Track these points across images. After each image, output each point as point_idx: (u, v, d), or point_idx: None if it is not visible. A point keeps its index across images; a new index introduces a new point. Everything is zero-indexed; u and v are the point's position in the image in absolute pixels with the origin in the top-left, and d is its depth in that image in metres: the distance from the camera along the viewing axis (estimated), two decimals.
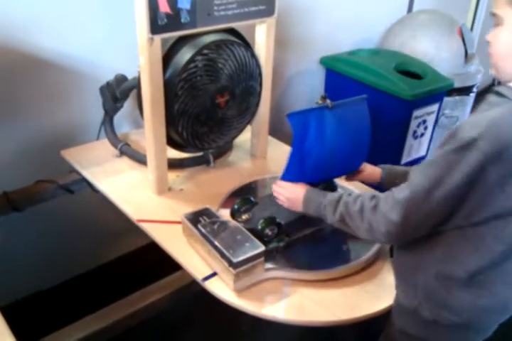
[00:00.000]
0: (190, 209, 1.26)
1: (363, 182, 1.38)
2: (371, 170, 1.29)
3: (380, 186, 1.29)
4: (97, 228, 1.99)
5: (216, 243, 1.12)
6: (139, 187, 1.49)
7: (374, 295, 1.13)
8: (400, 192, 0.92)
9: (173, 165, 1.53)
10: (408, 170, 1.24)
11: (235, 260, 1.06)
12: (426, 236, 0.96)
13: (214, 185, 1.52)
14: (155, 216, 1.36)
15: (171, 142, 1.44)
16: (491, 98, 0.92)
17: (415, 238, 0.97)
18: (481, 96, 2.26)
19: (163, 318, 1.75)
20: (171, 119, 1.34)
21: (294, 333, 1.75)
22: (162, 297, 1.54)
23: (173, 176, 1.54)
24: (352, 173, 1.31)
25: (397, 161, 2.16)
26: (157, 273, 1.66)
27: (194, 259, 1.21)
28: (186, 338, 1.82)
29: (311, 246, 1.25)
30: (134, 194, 1.46)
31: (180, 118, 1.35)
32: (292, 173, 1.19)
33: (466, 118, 0.91)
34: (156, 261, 1.46)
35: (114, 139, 1.67)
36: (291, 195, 1.18)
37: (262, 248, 1.09)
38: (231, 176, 1.57)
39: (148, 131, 1.34)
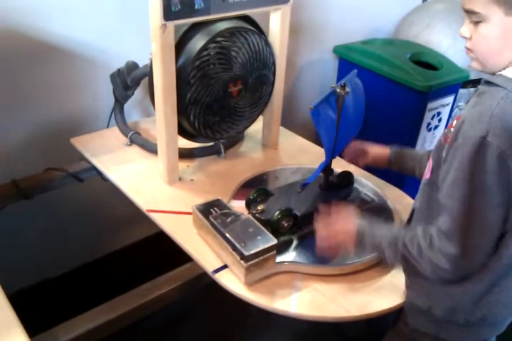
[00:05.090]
0: (200, 200, 1.25)
1: (368, 169, 1.36)
2: (379, 152, 1.28)
3: (389, 168, 1.28)
4: (106, 217, 1.98)
5: (227, 235, 1.10)
6: (149, 177, 1.47)
7: (385, 291, 1.11)
8: (443, 223, 0.88)
9: (184, 154, 1.51)
10: (418, 153, 1.23)
11: (246, 253, 1.04)
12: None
13: (225, 175, 1.50)
14: (165, 206, 1.34)
15: (182, 131, 1.42)
16: (482, 88, 0.90)
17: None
18: None
19: (172, 310, 1.74)
20: (183, 108, 1.32)
21: (299, 328, 1.75)
22: (172, 289, 1.53)
23: (183, 166, 1.52)
24: (359, 156, 1.30)
25: None
26: (167, 264, 1.65)
27: (204, 251, 1.19)
28: (195, 330, 1.81)
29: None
30: (144, 183, 1.45)
31: (192, 107, 1.32)
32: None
33: (464, 114, 0.88)
34: (165, 252, 1.45)
35: (125, 127, 1.65)
36: (340, 231, 1.05)
37: (274, 241, 1.07)
38: (242, 167, 1.54)
39: (160, 119, 1.32)
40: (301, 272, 1.14)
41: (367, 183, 1.41)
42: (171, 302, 1.58)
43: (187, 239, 1.22)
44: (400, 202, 1.37)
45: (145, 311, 1.52)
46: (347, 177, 1.35)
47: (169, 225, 1.27)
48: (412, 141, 2.10)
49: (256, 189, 1.27)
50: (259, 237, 1.09)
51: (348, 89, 1.14)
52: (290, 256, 1.15)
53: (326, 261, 1.13)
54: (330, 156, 1.24)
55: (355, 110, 1.24)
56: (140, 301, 1.50)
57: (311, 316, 1.06)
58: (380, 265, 1.17)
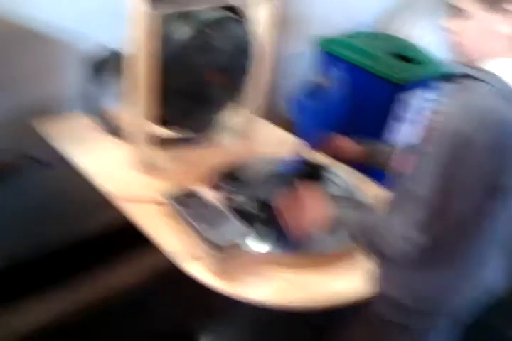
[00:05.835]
0: (173, 189, 1.24)
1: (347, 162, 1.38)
2: (353, 148, 1.30)
3: (363, 162, 1.30)
4: (71, 204, 1.92)
5: (200, 225, 1.09)
6: (120, 165, 1.45)
7: (355, 281, 1.12)
8: (412, 211, 0.88)
9: (158, 142, 1.49)
10: (388, 148, 1.25)
11: (217, 243, 1.04)
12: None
13: (201, 164, 1.48)
14: (136, 195, 1.32)
15: (157, 119, 1.39)
16: (464, 82, 0.90)
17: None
18: None
19: (136, 297, 1.72)
20: (158, 95, 1.30)
21: (264, 316, 1.74)
22: (136, 278, 1.51)
23: (157, 154, 1.50)
24: (336, 150, 1.32)
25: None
26: (134, 253, 1.62)
27: (175, 241, 1.18)
28: (154, 320, 1.79)
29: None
30: (115, 171, 1.42)
31: (169, 94, 1.31)
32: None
33: (444, 108, 0.88)
34: (134, 242, 1.43)
35: (95, 112, 1.61)
36: (310, 213, 1.07)
37: (246, 231, 1.07)
38: (219, 156, 1.53)
39: (133, 106, 1.30)
40: (272, 261, 1.14)
41: (342, 175, 1.41)
42: (135, 290, 1.56)
43: (157, 229, 1.21)
44: (376, 195, 1.37)
45: (106, 298, 1.49)
46: (321, 168, 1.35)
47: (140, 214, 1.26)
48: (383, 132, 2.11)
49: (230, 178, 1.27)
50: (231, 227, 1.08)
51: (327, 82, 1.14)
52: (262, 245, 1.15)
53: (296, 250, 1.13)
54: (306, 147, 1.24)
55: (336, 103, 1.24)
56: (101, 288, 1.47)
57: (281, 305, 1.06)
58: (351, 256, 1.17)
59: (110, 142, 1.55)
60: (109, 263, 1.65)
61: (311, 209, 1.07)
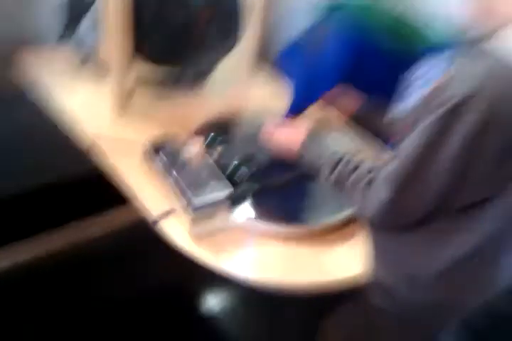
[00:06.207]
0: (155, 134, 1.08)
1: None
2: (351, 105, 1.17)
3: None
4: (39, 145, 1.75)
5: (177, 177, 0.94)
6: (99, 105, 1.28)
7: (345, 259, 0.98)
8: (391, 166, 0.79)
9: (143, 81, 1.32)
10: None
11: (195, 200, 0.89)
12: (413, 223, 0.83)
13: (188, 110, 1.32)
14: (112, 140, 1.16)
15: (143, 54, 1.22)
16: (472, 50, 0.79)
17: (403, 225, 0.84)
18: None
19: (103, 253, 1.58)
20: (144, 27, 1.12)
21: (241, 292, 1.62)
22: (104, 232, 1.37)
23: (141, 95, 1.33)
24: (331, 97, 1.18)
25: None
26: (102, 203, 1.47)
27: (149, 193, 1.03)
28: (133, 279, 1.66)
29: (287, 195, 1.08)
30: (92, 111, 1.26)
31: (148, 25, 1.13)
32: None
33: (449, 73, 0.75)
34: (102, 190, 1.27)
35: (77, 45, 1.43)
36: (288, 137, 1.00)
37: (229, 189, 0.92)
38: (208, 105, 1.36)
39: (113, 36, 1.11)
40: (257, 230, 0.99)
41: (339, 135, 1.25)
42: (102, 246, 1.42)
43: (131, 178, 1.06)
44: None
45: (70, 253, 1.36)
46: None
47: (114, 160, 1.10)
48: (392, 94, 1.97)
49: (216, 129, 1.11)
50: (213, 183, 0.93)
51: (325, 32, 0.97)
52: (246, 210, 1.00)
53: (286, 221, 0.99)
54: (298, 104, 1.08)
55: (334, 57, 1.07)
56: (67, 241, 1.33)
57: (261, 281, 0.93)
58: (342, 230, 1.04)
59: (90, 79, 1.36)
60: (76, 213, 1.50)
61: (292, 133, 0.99)
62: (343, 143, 0.99)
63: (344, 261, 0.98)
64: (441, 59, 1.80)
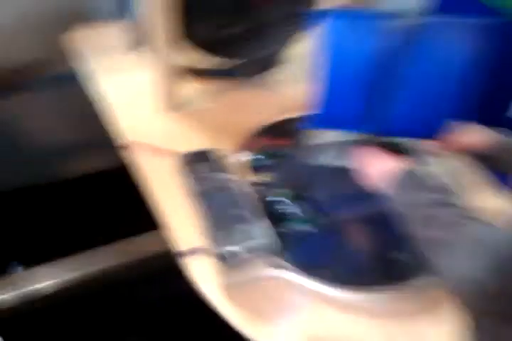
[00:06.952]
0: (200, 138, 0.93)
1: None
2: (475, 138, 0.82)
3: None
4: (73, 135, 1.63)
5: (208, 207, 0.74)
6: (142, 98, 1.10)
7: None
8: None
9: (192, 73, 1.12)
10: None
11: (223, 248, 0.69)
12: None
13: (242, 110, 1.10)
14: (149, 141, 0.98)
15: (193, 40, 1.00)
16: None
17: None
18: None
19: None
20: (193, 11, 0.91)
21: None
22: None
23: (190, 89, 1.13)
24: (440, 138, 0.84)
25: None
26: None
27: (180, 218, 0.83)
28: None
29: (354, 240, 0.82)
30: (134, 103, 1.09)
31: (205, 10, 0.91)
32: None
33: None
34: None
35: (131, 25, 1.24)
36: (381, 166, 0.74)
37: (270, 237, 0.70)
38: (269, 103, 1.12)
39: (155, 17, 0.91)
40: (303, 286, 0.76)
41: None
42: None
43: (163, 197, 0.86)
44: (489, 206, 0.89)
45: None
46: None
47: (145, 167, 0.92)
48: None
49: (267, 147, 0.88)
50: (250, 225, 0.72)
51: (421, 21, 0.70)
52: (292, 257, 0.76)
53: (348, 282, 0.74)
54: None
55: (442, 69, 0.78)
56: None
57: None
58: (427, 299, 0.78)
59: (140, 63, 1.18)
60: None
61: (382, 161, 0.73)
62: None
63: None
64: None
